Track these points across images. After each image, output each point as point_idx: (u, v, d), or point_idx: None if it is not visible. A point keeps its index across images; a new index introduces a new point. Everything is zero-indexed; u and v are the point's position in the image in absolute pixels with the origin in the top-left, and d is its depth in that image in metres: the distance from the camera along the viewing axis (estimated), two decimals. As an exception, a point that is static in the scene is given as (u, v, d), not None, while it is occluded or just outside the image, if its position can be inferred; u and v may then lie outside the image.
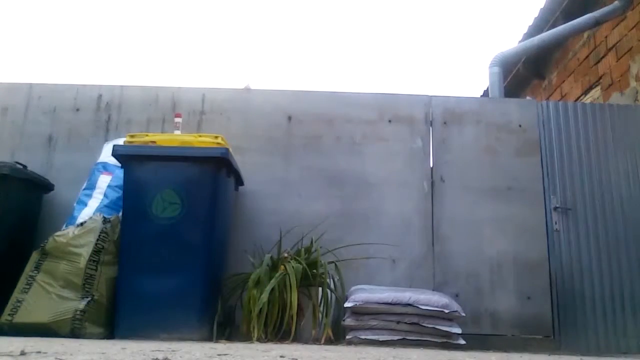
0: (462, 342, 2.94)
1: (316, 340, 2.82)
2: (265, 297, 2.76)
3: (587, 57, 5.26)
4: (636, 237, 3.62)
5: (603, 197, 3.69)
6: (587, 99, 5.18)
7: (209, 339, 2.75)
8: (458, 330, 2.92)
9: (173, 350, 1.56)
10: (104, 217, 2.97)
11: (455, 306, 2.95)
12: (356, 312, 2.92)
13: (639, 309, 3.51)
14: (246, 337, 2.75)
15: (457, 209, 3.66)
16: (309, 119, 3.82)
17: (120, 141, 3.21)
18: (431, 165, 3.75)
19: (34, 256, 2.85)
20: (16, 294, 2.75)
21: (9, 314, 2.68)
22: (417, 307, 2.88)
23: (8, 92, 3.84)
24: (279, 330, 2.78)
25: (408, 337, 2.88)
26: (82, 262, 2.77)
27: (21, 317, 2.67)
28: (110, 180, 3.28)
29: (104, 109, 3.83)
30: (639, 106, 4.10)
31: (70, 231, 2.89)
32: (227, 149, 2.98)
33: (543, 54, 5.80)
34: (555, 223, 3.64)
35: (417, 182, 3.71)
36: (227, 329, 2.99)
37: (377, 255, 3.51)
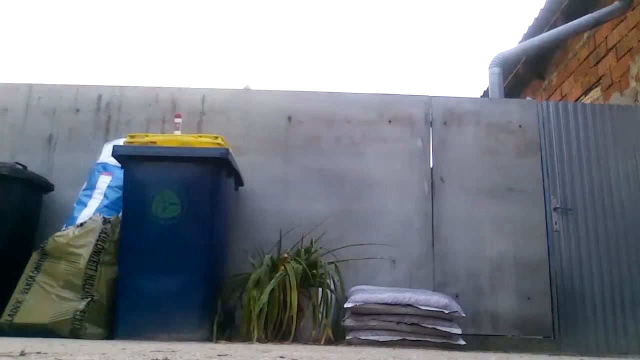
0: (462, 342, 2.94)
1: (316, 341, 2.82)
2: (265, 297, 2.76)
3: (587, 57, 5.26)
4: (636, 237, 3.62)
5: (603, 198, 3.69)
6: (587, 100, 5.18)
7: (209, 339, 2.75)
8: (458, 331, 2.92)
9: (173, 351, 1.56)
10: (103, 217, 2.97)
11: (455, 306, 2.95)
12: (356, 312, 2.92)
13: (639, 309, 3.51)
14: (246, 338, 2.75)
15: (457, 209, 3.66)
16: (309, 119, 3.82)
17: (120, 142, 3.21)
18: (431, 165, 3.75)
19: (34, 257, 2.85)
20: (16, 295, 2.75)
21: (9, 315, 2.68)
22: (417, 307, 2.88)
23: (8, 92, 3.84)
24: (278, 330, 2.78)
25: (408, 338, 2.88)
26: (82, 262, 2.77)
27: (21, 318, 2.67)
28: (110, 181, 3.28)
29: (103, 110, 3.83)
30: (639, 106, 4.10)
31: (70, 232, 2.89)
32: (227, 150, 2.98)
33: (543, 54, 5.79)
34: (556, 223, 3.64)
35: (417, 183, 3.71)
36: (227, 329, 2.99)
37: (377, 256, 3.50)
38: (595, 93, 5.07)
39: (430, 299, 2.93)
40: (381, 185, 3.69)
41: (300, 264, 2.97)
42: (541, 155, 3.77)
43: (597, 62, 5.04)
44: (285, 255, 3.08)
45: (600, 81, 4.97)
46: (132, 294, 2.77)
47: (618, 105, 4.18)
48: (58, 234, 2.90)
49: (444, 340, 2.89)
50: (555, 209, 3.66)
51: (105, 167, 3.36)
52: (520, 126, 3.82)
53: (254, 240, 3.44)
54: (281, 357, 1.49)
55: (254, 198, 3.64)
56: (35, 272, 2.80)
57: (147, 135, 3.11)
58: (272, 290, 2.81)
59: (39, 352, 1.22)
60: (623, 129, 3.83)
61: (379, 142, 3.78)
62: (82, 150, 3.70)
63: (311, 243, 3.25)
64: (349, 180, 3.70)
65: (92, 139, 3.74)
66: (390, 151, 3.76)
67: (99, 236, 2.87)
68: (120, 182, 3.10)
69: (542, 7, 5.51)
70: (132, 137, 3.08)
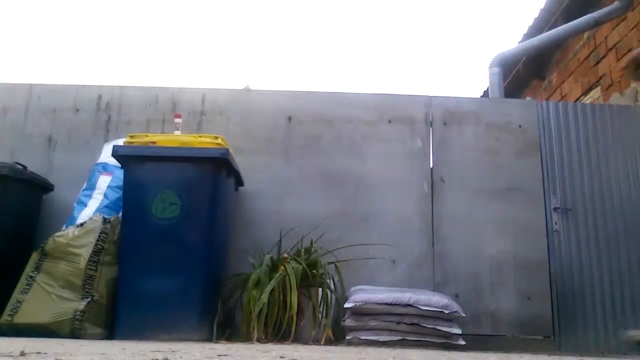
0: (462, 342, 2.94)
1: (316, 341, 2.82)
2: (265, 297, 2.76)
3: (587, 57, 5.26)
4: (636, 237, 3.62)
5: (603, 197, 3.69)
6: (587, 100, 5.18)
7: (209, 339, 2.75)
8: (458, 331, 2.92)
9: (173, 351, 1.56)
10: (103, 217, 2.97)
11: (455, 307, 2.95)
12: (356, 312, 2.92)
13: (639, 309, 3.51)
14: (246, 338, 2.75)
15: (457, 210, 3.66)
16: (309, 119, 3.82)
17: (120, 142, 3.21)
18: (431, 165, 3.75)
19: (34, 257, 2.85)
20: (16, 295, 2.75)
21: (9, 315, 2.68)
22: (417, 307, 2.88)
23: (8, 92, 3.84)
24: (278, 330, 2.78)
25: (408, 338, 2.88)
26: (82, 262, 2.77)
27: (21, 318, 2.66)
28: (110, 181, 3.28)
29: (103, 110, 3.83)
30: (639, 106, 4.10)
31: (70, 232, 2.89)
32: (227, 150, 2.98)
33: (543, 54, 5.79)
34: (555, 223, 3.64)
35: (417, 183, 3.71)
36: (227, 329, 2.99)
37: (377, 256, 3.50)
38: (595, 93, 5.07)
39: (430, 299, 2.93)
40: (381, 185, 3.69)
41: (300, 264, 2.97)
42: (541, 155, 3.77)
43: (597, 62, 5.04)
44: (285, 255, 3.08)
45: (600, 81, 4.97)
46: (132, 294, 2.77)
47: (618, 105, 4.18)
48: (58, 234, 2.90)
49: (444, 340, 2.89)
50: (555, 209, 3.66)
51: (105, 167, 3.36)
52: (520, 126, 3.82)
53: (254, 240, 3.44)
54: (281, 357, 1.49)
55: (254, 198, 3.64)
56: (35, 272, 2.80)
57: (147, 135, 3.10)
58: (272, 291, 2.81)
59: (39, 352, 1.22)
60: (623, 129, 3.83)
61: (379, 142, 3.78)
62: (82, 150, 3.70)
63: (311, 243, 3.25)
64: (349, 180, 3.70)
65: (92, 139, 3.74)
66: (390, 151, 3.76)
67: (99, 236, 2.87)
68: (120, 182, 3.09)
69: (542, 7, 5.51)
70: (132, 137, 3.08)
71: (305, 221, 3.50)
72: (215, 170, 2.95)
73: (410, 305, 2.89)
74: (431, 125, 3.83)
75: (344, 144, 3.78)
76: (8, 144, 3.73)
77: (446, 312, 2.89)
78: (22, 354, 1.17)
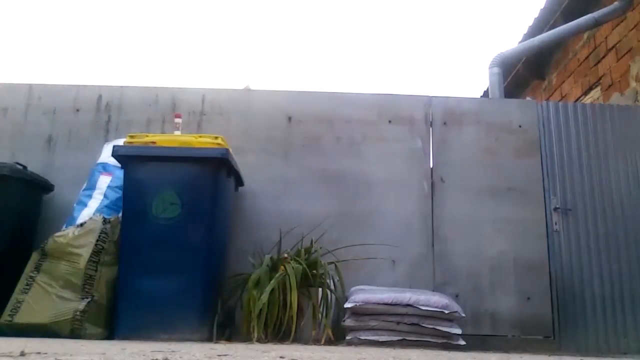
0: (462, 342, 2.94)
1: (316, 341, 2.82)
2: (265, 297, 2.76)
3: (587, 57, 5.26)
4: (636, 237, 3.62)
5: (603, 198, 3.69)
6: (587, 100, 5.18)
7: (208, 339, 2.75)
8: (458, 331, 2.92)
9: (173, 351, 1.56)
10: (103, 217, 2.97)
11: (456, 307, 2.95)
12: (356, 312, 2.92)
13: (639, 309, 3.51)
14: (246, 338, 2.75)
15: (457, 210, 3.66)
16: (309, 119, 3.82)
17: (120, 142, 3.21)
18: (431, 165, 3.75)
19: (34, 257, 2.85)
20: (16, 295, 2.75)
21: (9, 315, 2.68)
22: (417, 307, 2.88)
23: (8, 92, 3.84)
24: (279, 330, 2.78)
25: (408, 338, 2.87)
26: (82, 262, 2.77)
27: (21, 318, 2.67)
28: (110, 181, 3.28)
29: (103, 110, 3.83)
30: (639, 107, 4.10)
31: (70, 232, 2.89)
32: (227, 150, 2.98)
33: (543, 54, 5.80)
34: (556, 223, 3.64)
35: (417, 183, 3.71)
36: (227, 329, 2.99)
37: (377, 256, 3.50)
38: (595, 93, 5.07)
39: (430, 299, 2.93)
40: (381, 185, 3.69)
41: (300, 264, 2.97)
42: (541, 155, 3.77)
43: (597, 62, 5.04)
44: (285, 255, 3.08)
45: (600, 81, 4.97)
46: (132, 294, 2.77)
47: (618, 105, 4.18)
48: (58, 234, 2.90)
49: (444, 340, 2.89)
50: (555, 209, 3.66)
51: (105, 167, 3.36)
52: (520, 126, 3.82)
53: (254, 240, 3.44)
54: (281, 357, 1.49)
55: (254, 198, 3.64)
56: (35, 272, 2.80)
57: (147, 135, 3.10)
58: (272, 291, 2.81)
59: (39, 352, 1.22)
60: (623, 129, 3.83)
61: (379, 142, 3.78)
62: (82, 150, 3.70)
63: (311, 243, 3.24)
64: (349, 180, 3.70)
65: (92, 139, 3.74)
66: (390, 151, 3.76)
67: (99, 236, 2.87)
68: (120, 182, 3.09)
69: (542, 7, 5.52)
70: (132, 137, 3.08)
71: (305, 221, 3.50)
72: (215, 171, 2.95)
73: (410, 305, 2.89)
74: (431, 125, 3.83)
75: (344, 144, 3.78)
76: (8, 144, 3.72)
77: (446, 312, 2.89)
78: (22, 354, 1.17)
